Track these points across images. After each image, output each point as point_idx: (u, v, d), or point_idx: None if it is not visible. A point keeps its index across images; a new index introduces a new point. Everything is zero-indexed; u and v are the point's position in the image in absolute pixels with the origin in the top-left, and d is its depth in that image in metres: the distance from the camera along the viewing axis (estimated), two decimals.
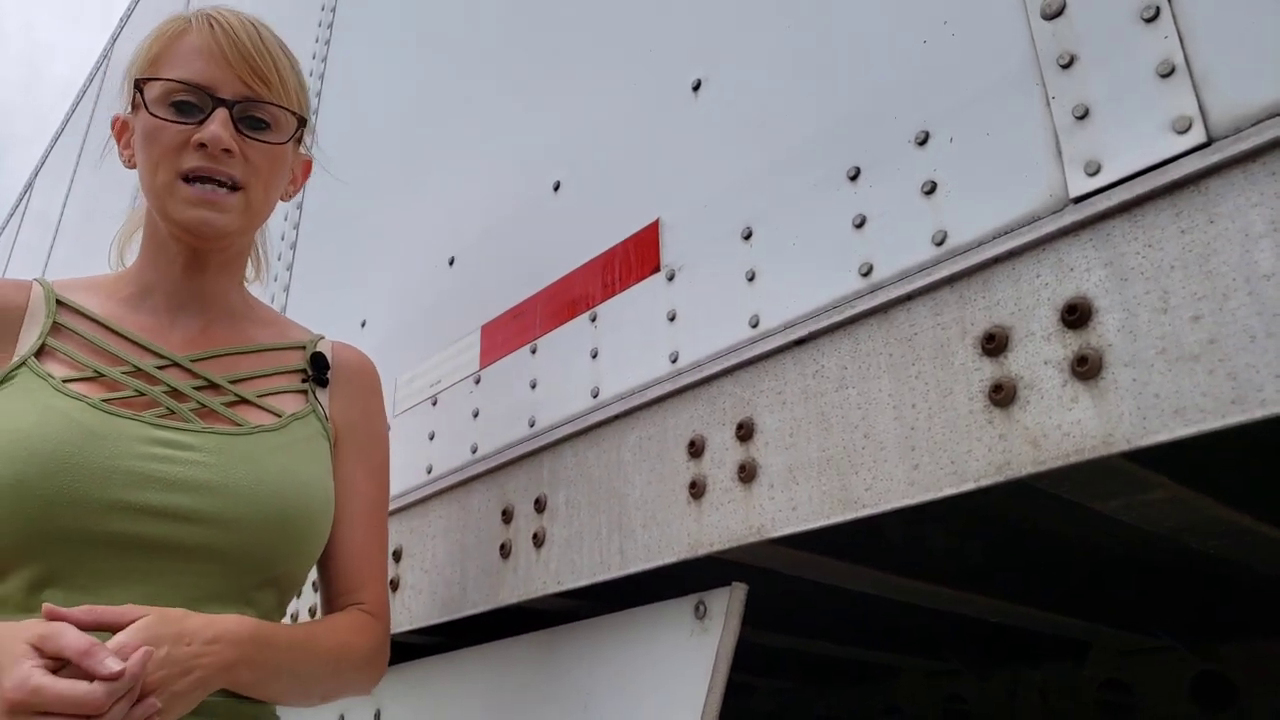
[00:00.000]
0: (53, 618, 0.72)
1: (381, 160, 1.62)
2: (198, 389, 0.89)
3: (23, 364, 0.84)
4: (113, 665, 0.67)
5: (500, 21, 1.39)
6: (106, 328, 0.90)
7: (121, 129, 0.95)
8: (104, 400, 0.84)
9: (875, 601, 1.22)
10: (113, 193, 3.35)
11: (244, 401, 0.91)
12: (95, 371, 0.86)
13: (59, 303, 0.90)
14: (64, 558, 0.79)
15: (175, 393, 0.88)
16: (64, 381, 0.84)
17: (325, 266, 1.71)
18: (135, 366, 0.88)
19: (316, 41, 2.02)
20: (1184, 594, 1.24)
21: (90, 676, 0.67)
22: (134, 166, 0.94)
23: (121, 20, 4.47)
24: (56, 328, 0.88)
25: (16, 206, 5.61)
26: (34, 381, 0.83)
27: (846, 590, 1.10)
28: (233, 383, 0.91)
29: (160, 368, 0.89)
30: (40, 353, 0.86)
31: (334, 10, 2.02)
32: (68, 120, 4.99)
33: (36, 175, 5.40)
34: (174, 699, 0.73)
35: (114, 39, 4.55)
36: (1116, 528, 1.13)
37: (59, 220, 4.22)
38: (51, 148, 5.22)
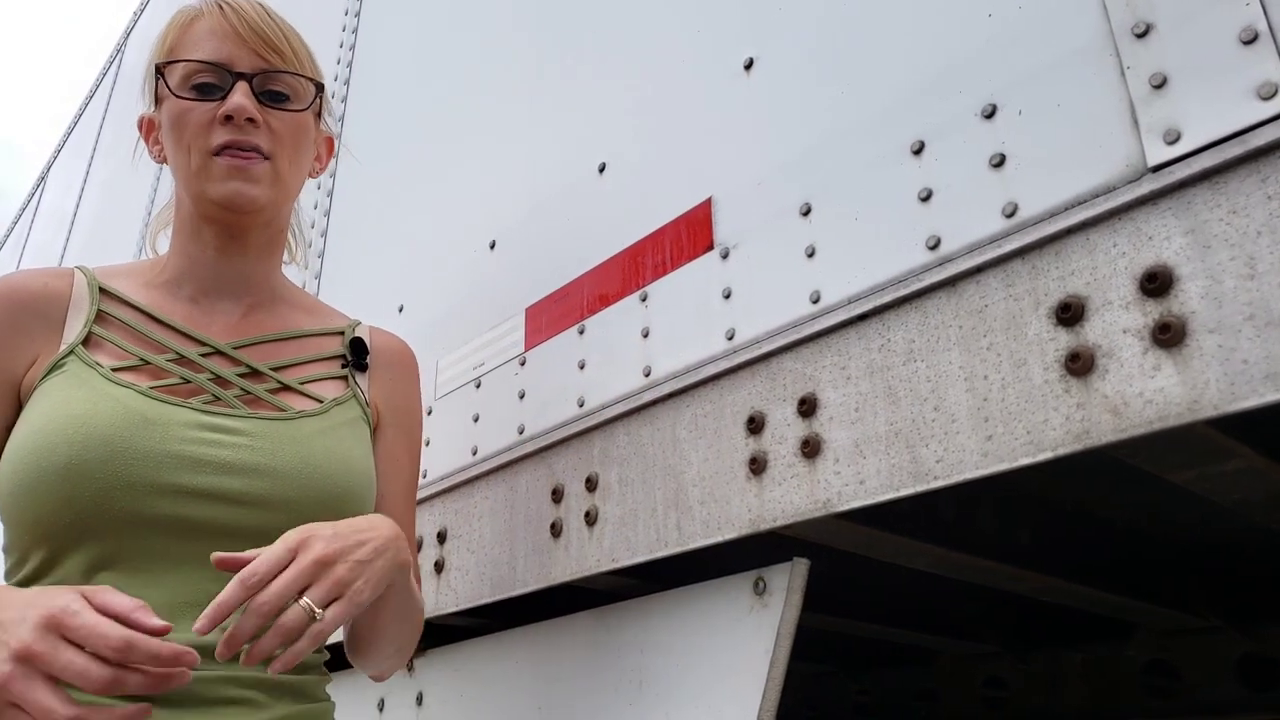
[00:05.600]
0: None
1: (415, 145, 1.62)
2: (241, 376, 0.90)
3: (71, 352, 0.86)
4: (156, 622, 0.67)
5: (533, 7, 1.39)
6: (149, 315, 0.91)
7: (149, 126, 0.97)
8: (152, 387, 0.85)
9: (914, 583, 1.22)
10: (128, 190, 3.36)
11: (286, 388, 0.92)
12: (141, 359, 0.87)
13: (101, 290, 0.91)
14: (119, 540, 0.80)
15: (219, 379, 0.89)
16: (112, 370, 0.85)
17: (359, 253, 1.71)
18: (179, 354, 0.89)
19: (344, 30, 2.02)
20: (1229, 574, 1.24)
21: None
22: (164, 161, 0.96)
23: (134, 15, 4.48)
24: (101, 315, 0.89)
25: (28, 203, 5.63)
26: (84, 370, 0.84)
27: (886, 571, 1.10)
28: (274, 369, 0.92)
29: (204, 355, 0.90)
30: (86, 340, 0.87)
31: (360, 1, 2.02)
32: (79, 117, 5.00)
33: (49, 171, 5.41)
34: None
35: (126, 34, 4.55)
36: (1162, 507, 1.13)
37: (73, 216, 4.23)
38: (63, 144, 5.24)
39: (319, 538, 0.74)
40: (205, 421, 0.85)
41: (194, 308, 0.94)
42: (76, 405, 0.81)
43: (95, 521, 0.79)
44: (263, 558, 0.71)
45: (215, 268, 0.94)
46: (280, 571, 0.71)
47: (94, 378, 0.84)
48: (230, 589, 0.69)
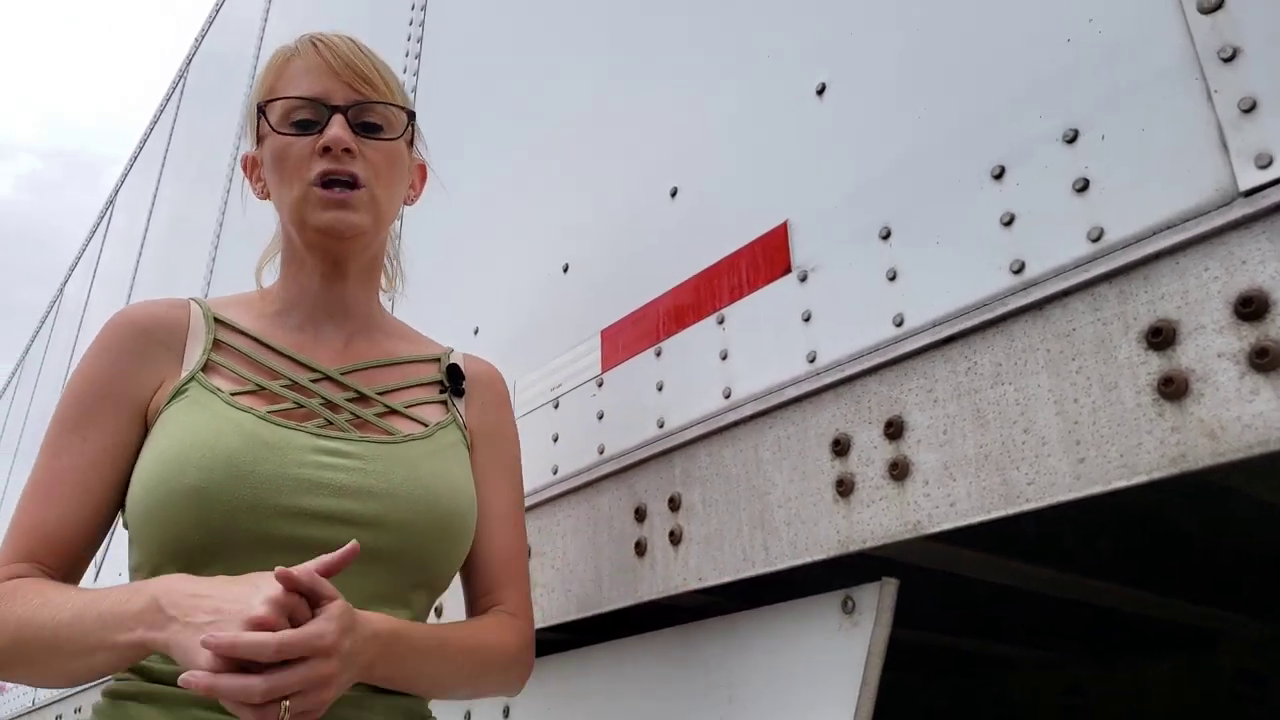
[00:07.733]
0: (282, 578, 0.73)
1: (484, 168, 1.66)
2: (349, 400, 0.95)
3: (192, 378, 0.91)
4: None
5: (603, 32, 1.42)
6: (261, 343, 0.96)
7: (252, 165, 1.03)
8: (269, 412, 0.89)
9: (992, 594, 1.22)
10: (196, 214, 3.47)
11: (392, 412, 0.96)
12: (256, 385, 0.92)
13: (216, 320, 0.96)
14: (241, 560, 0.84)
15: (330, 404, 0.94)
16: (231, 395, 0.89)
17: (431, 274, 1.76)
18: (291, 380, 0.94)
19: (407, 56, 2.07)
20: None
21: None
22: (266, 196, 1.01)
23: (195, 42, 4.63)
24: (217, 343, 0.95)
25: (98, 225, 5.84)
26: (205, 395, 0.89)
27: (964, 583, 1.10)
28: (379, 394, 0.96)
29: (314, 380, 0.95)
30: (205, 367, 0.92)
31: (423, 25, 2.07)
32: (144, 141, 5.18)
33: (116, 194, 5.61)
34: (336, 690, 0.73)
35: (188, 61, 4.71)
36: (1248, 521, 1.12)
37: (142, 239, 4.38)
38: (130, 168, 5.43)
39: (339, 652, 0.72)
40: (320, 445, 0.89)
41: (301, 335, 0.99)
42: (201, 430, 0.86)
43: (221, 542, 0.83)
44: (305, 638, 0.69)
45: (320, 295, 1.00)
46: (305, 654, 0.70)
47: (215, 402, 0.89)
48: (260, 643, 0.67)
